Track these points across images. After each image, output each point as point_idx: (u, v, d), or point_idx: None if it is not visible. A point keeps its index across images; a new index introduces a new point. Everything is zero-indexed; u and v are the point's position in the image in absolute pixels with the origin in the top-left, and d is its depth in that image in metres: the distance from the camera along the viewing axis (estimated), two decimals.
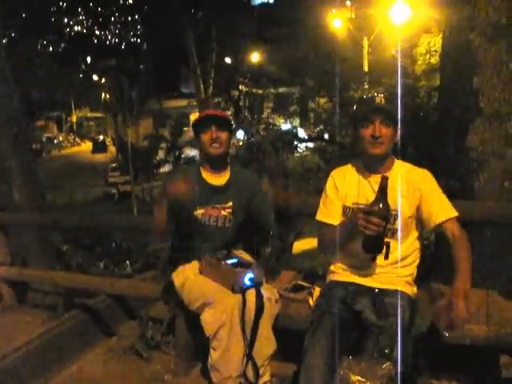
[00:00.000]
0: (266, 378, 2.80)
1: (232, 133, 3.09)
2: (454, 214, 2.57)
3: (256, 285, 2.76)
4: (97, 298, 4.50)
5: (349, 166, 2.81)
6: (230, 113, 30.45)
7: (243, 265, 2.84)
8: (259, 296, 2.72)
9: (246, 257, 3.08)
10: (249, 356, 2.72)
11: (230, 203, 3.04)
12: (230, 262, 2.84)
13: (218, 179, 3.07)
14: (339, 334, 2.37)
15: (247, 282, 2.74)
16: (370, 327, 2.41)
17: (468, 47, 3.67)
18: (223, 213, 3.04)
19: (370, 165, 2.68)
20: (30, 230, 5.52)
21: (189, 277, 2.97)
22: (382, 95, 2.87)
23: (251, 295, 2.71)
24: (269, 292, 2.81)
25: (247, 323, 2.70)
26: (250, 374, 2.74)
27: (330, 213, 2.76)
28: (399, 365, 2.22)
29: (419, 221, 2.65)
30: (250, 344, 2.71)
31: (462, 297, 2.26)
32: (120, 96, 35.52)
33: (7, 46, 6.01)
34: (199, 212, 3.02)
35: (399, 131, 2.63)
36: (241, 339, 2.70)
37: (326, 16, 23.42)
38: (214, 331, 2.68)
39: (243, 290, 2.72)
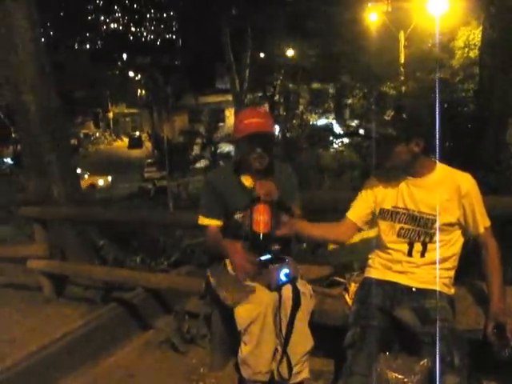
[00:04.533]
0: (304, 374, 2.77)
1: (274, 143, 3.07)
2: (489, 223, 2.59)
3: (292, 280, 2.74)
4: (134, 291, 4.56)
5: (386, 172, 2.78)
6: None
7: (277, 260, 2.82)
8: (295, 291, 2.70)
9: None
10: (283, 352, 2.70)
11: None
12: (263, 258, 2.81)
13: (255, 181, 3.04)
14: (382, 346, 2.37)
15: (283, 277, 2.72)
16: (417, 335, 2.37)
17: (510, 39, 3.58)
18: None
19: (404, 171, 2.67)
20: (68, 225, 5.61)
21: (226, 273, 2.96)
22: (391, 111, 2.75)
23: (287, 290, 2.70)
24: (304, 287, 2.80)
25: (283, 319, 2.69)
26: (284, 370, 2.72)
27: (353, 209, 2.85)
28: (464, 370, 2.21)
29: (462, 227, 2.62)
30: (286, 340, 2.69)
31: (506, 314, 2.36)
32: (156, 92, 35.86)
33: (46, 43, 6.10)
34: (239, 216, 2.99)
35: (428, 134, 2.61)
36: (273, 335, 2.68)
37: (362, 10, 23.22)
38: (245, 326, 2.68)
39: (279, 286, 2.71)
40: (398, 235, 2.65)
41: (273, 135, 3.08)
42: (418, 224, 2.59)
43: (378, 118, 2.66)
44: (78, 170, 32.64)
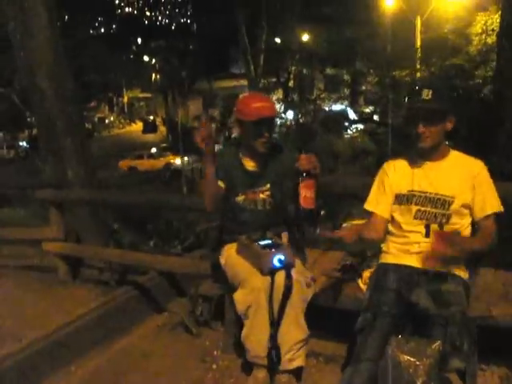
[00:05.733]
0: (298, 362, 2.75)
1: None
2: (496, 209, 2.62)
3: (286, 266, 2.71)
4: (148, 275, 4.61)
5: (400, 158, 2.84)
6: (278, 94, 30.38)
7: (276, 246, 2.80)
8: (288, 277, 2.68)
9: (283, 239, 3.06)
10: (273, 338, 2.69)
11: (268, 186, 3.04)
12: (262, 243, 2.82)
13: (257, 163, 3.07)
14: (393, 332, 2.36)
15: (276, 263, 2.69)
16: (431, 317, 2.37)
17: None
18: (261, 196, 3.04)
19: (422, 154, 2.72)
20: (83, 208, 5.66)
21: (230, 255, 3.01)
22: (430, 91, 2.78)
23: (280, 276, 2.68)
24: (301, 275, 2.77)
25: (275, 305, 2.68)
26: (275, 355, 2.71)
27: (377, 203, 2.84)
28: (471, 356, 2.24)
29: (471, 211, 2.67)
30: (277, 326, 2.69)
31: (446, 241, 2.46)
32: (170, 76, 35.82)
33: (61, 28, 6.12)
34: (240, 198, 3.05)
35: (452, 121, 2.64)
36: (266, 320, 2.68)
37: None
38: (243, 310, 2.73)
39: (272, 272, 2.69)
40: (415, 217, 2.67)
41: (275, 118, 3.11)
42: (435, 206, 2.63)
43: (415, 99, 2.67)
44: (153, 150, 31.94)
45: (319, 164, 2.70)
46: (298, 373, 2.79)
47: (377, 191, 2.87)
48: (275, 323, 2.68)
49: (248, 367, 2.93)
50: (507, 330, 2.57)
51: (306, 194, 2.63)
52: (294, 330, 2.71)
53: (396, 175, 2.80)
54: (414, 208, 2.68)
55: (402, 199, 2.74)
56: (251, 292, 2.69)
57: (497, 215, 2.64)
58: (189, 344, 3.60)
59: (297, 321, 2.71)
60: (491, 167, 2.66)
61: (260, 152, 2.97)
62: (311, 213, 2.65)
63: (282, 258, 2.71)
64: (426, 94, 2.60)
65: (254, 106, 2.90)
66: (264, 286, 2.68)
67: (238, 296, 2.77)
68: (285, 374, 2.74)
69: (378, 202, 2.84)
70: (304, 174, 2.64)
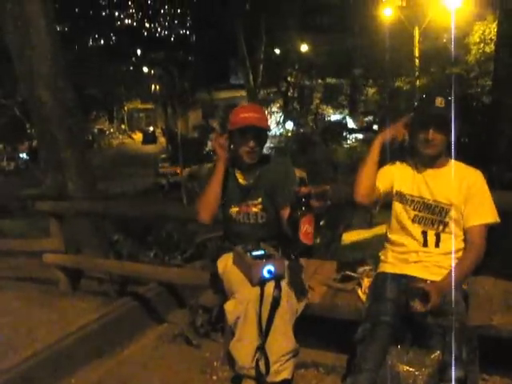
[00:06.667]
0: (285, 375, 2.70)
1: (267, 138, 3.10)
2: (485, 220, 2.63)
3: (276, 277, 2.70)
4: (148, 286, 4.60)
5: (403, 162, 2.87)
6: (278, 104, 30.47)
7: (268, 257, 2.79)
8: (278, 289, 2.66)
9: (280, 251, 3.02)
10: (262, 349, 2.68)
11: (260, 199, 3.03)
12: (255, 253, 2.81)
13: (249, 177, 3.07)
14: (393, 342, 2.37)
15: (266, 274, 2.68)
16: (429, 327, 2.37)
17: None
18: (254, 209, 3.04)
19: (424, 162, 2.75)
20: (83, 219, 5.66)
21: (227, 265, 3.02)
22: (442, 99, 2.81)
23: (269, 287, 2.67)
24: (291, 287, 2.76)
25: (264, 315, 2.66)
26: (263, 367, 2.70)
27: (380, 179, 2.85)
28: (470, 365, 2.25)
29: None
30: (265, 337, 2.67)
31: (437, 293, 2.40)
32: (170, 87, 35.88)
33: (61, 40, 6.14)
34: (234, 210, 3.07)
35: (456, 131, 2.63)
36: (254, 331, 2.68)
37: (377, 5, 23.10)
38: (233, 321, 2.73)
39: (262, 282, 2.68)
40: (413, 221, 2.71)
41: (266, 132, 3.10)
42: (432, 212, 2.66)
43: (429, 105, 2.69)
44: None
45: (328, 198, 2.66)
46: None
47: (379, 174, 2.86)
48: (263, 334, 2.67)
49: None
50: (509, 339, 2.57)
51: (307, 230, 2.60)
52: (281, 341, 2.68)
53: (400, 173, 2.83)
54: (412, 212, 2.72)
55: (402, 198, 2.77)
56: (240, 303, 2.70)
57: (491, 225, 2.65)
58: (189, 355, 3.59)
59: (285, 332, 2.69)
60: (491, 177, 2.67)
61: (247, 163, 2.98)
62: (309, 248, 2.64)
63: (272, 268, 2.70)
64: (440, 101, 2.63)
65: (240, 116, 2.95)
66: (253, 297, 2.68)
67: (229, 307, 2.78)
68: None
69: (379, 179, 2.83)
70: (308, 208, 2.60)
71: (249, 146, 2.92)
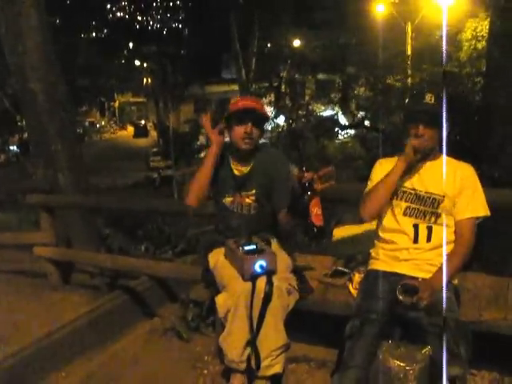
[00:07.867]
0: (276, 369, 2.72)
1: (264, 130, 3.10)
2: (476, 214, 2.65)
3: (268, 272, 2.71)
4: (139, 279, 4.60)
5: (393, 158, 2.85)
6: (270, 99, 30.42)
7: (259, 252, 2.79)
8: (269, 284, 2.67)
9: (272, 245, 3.06)
10: (253, 344, 2.69)
11: (254, 191, 3.04)
12: (247, 248, 2.80)
13: (244, 167, 3.07)
14: (382, 339, 2.37)
15: (257, 269, 2.69)
16: (423, 326, 2.38)
17: None
18: (247, 200, 3.05)
19: (416, 154, 2.73)
20: (74, 213, 5.63)
21: (218, 259, 3.02)
22: (432, 95, 2.82)
23: (261, 282, 2.67)
24: (282, 282, 2.76)
25: (255, 310, 2.67)
26: (254, 361, 2.71)
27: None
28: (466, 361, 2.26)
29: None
30: (256, 332, 2.68)
31: (427, 288, 2.42)
32: (162, 81, 35.73)
33: (53, 32, 6.09)
34: (228, 200, 3.08)
35: (446, 126, 2.64)
36: (244, 326, 2.68)
37: (369, 0, 23.07)
38: (223, 314, 2.75)
39: (253, 277, 2.69)
40: (405, 214, 2.72)
41: (265, 117, 3.13)
42: (424, 204, 2.68)
43: (418, 101, 2.73)
44: None
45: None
46: (275, 380, 2.77)
47: (371, 183, 2.87)
48: (254, 329, 2.68)
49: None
50: (498, 334, 2.59)
51: (317, 212, 2.63)
52: (272, 336, 2.69)
53: (389, 169, 2.81)
54: (404, 204, 2.73)
55: (394, 192, 2.76)
56: (231, 297, 2.71)
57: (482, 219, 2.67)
58: (180, 349, 3.60)
59: (276, 327, 2.70)
60: (482, 174, 2.69)
61: (242, 150, 2.99)
62: (322, 229, 2.66)
63: (264, 263, 2.70)
64: (430, 97, 2.64)
65: (240, 102, 3.05)
66: (244, 292, 2.68)
67: (220, 300, 2.80)
68: (262, 380, 2.72)
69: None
70: (314, 191, 2.63)
71: (246, 129, 2.93)
